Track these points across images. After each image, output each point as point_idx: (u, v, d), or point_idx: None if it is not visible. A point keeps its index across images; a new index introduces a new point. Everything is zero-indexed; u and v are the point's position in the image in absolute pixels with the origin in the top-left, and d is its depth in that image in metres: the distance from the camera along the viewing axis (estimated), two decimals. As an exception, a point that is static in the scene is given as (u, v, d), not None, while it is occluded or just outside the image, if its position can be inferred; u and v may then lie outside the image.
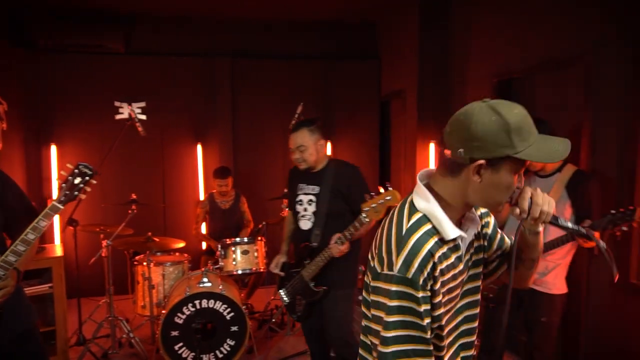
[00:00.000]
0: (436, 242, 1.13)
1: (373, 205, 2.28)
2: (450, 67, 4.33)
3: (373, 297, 1.16)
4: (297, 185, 2.68)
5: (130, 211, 3.62)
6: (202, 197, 5.06)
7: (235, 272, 3.56)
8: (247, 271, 3.59)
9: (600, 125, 2.65)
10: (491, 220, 1.36)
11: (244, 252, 3.56)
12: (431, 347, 1.12)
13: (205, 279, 3.34)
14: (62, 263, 3.27)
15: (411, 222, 1.15)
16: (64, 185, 1.78)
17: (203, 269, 3.46)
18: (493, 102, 1.10)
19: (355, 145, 5.52)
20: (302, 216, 2.65)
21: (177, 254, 4.01)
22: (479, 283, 1.30)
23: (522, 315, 2.55)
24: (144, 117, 4.75)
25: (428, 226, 1.14)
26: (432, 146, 4.36)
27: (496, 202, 1.15)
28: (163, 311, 3.29)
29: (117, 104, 5.03)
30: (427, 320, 1.10)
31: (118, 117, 5.02)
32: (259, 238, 3.70)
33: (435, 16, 4.34)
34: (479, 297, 1.30)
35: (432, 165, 4.34)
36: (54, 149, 4.84)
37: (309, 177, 2.64)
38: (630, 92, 2.47)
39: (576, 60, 2.78)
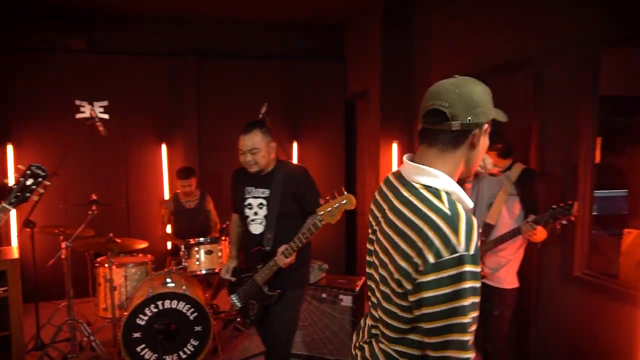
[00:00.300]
0: None
1: (329, 209, 2.28)
2: (412, 69, 4.44)
3: (426, 294, 1.09)
4: (245, 188, 2.60)
5: (90, 212, 3.56)
6: (167, 197, 5.01)
7: (199, 272, 3.55)
8: (211, 271, 3.59)
9: (547, 125, 2.79)
10: None
11: (208, 252, 3.56)
12: None
13: (168, 280, 3.32)
14: (17, 266, 3.17)
15: (445, 201, 1.14)
16: (15, 186, 1.77)
17: (166, 269, 3.44)
18: (466, 76, 1.22)
19: (321, 145, 5.57)
20: (253, 220, 2.58)
21: (140, 255, 3.96)
22: None
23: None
24: (106, 116, 4.64)
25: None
26: (394, 146, 4.45)
27: (478, 164, 1.28)
28: (125, 313, 3.26)
29: (77, 102, 4.90)
30: None
31: (79, 116, 4.90)
32: (223, 238, 3.70)
33: (397, 18, 4.43)
34: None
35: (395, 164, 4.44)
36: (10, 148, 4.69)
37: (258, 179, 2.57)
38: (573, 95, 2.61)
39: (526, 64, 2.92)
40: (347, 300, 3.37)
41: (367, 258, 1.36)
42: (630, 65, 2.80)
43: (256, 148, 2.46)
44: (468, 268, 1.06)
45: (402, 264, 1.13)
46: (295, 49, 5.55)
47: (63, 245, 3.53)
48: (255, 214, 2.57)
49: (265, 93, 5.22)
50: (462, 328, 1.08)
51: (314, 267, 3.57)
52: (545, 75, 2.78)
